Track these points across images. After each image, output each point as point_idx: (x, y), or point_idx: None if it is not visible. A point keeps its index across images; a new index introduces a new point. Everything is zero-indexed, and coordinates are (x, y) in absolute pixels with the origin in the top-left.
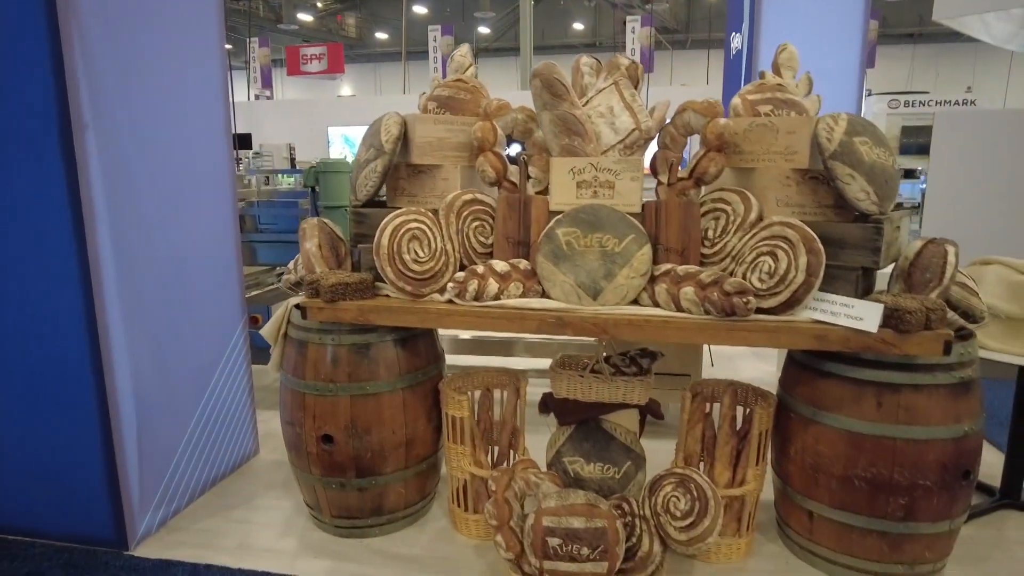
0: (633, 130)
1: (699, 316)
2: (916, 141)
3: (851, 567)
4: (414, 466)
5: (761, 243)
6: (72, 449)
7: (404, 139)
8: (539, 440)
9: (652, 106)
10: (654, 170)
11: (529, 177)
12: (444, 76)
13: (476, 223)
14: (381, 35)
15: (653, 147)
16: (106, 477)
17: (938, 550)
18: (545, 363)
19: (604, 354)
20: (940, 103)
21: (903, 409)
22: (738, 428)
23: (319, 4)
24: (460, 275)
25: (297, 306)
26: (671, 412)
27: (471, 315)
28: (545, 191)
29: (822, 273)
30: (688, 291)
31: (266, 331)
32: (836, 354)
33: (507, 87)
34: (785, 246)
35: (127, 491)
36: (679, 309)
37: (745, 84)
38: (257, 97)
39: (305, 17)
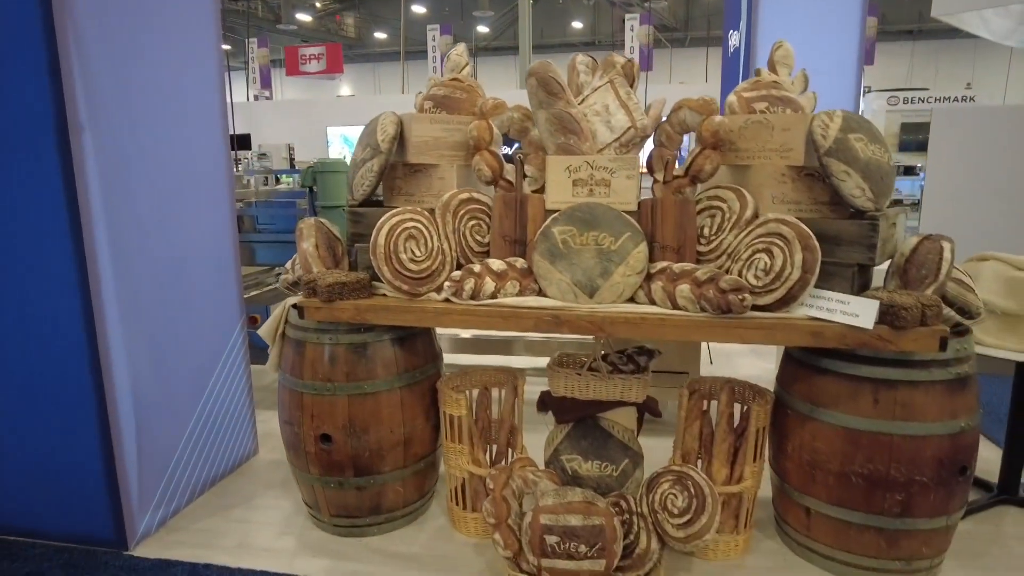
0: (629, 128)
1: (695, 314)
2: (916, 138)
3: (848, 563)
4: (412, 465)
5: (757, 240)
6: (71, 449)
7: (400, 138)
8: (537, 438)
9: (648, 104)
10: (650, 168)
11: (525, 176)
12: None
13: (473, 222)
14: (380, 35)
15: (650, 145)
16: (105, 477)
17: (935, 546)
18: (545, 362)
19: (602, 352)
20: (939, 100)
21: (900, 405)
22: (736, 425)
23: (318, 4)
24: (457, 274)
25: (294, 306)
26: (670, 410)
27: (468, 314)
28: (541, 190)
29: (818, 270)
30: (684, 289)
31: (264, 331)
32: (833, 351)
33: (506, 86)
34: (781, 243)
35: (126, 491)
36: (675, 307)
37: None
38: (256, 98)
39: (304, 17)
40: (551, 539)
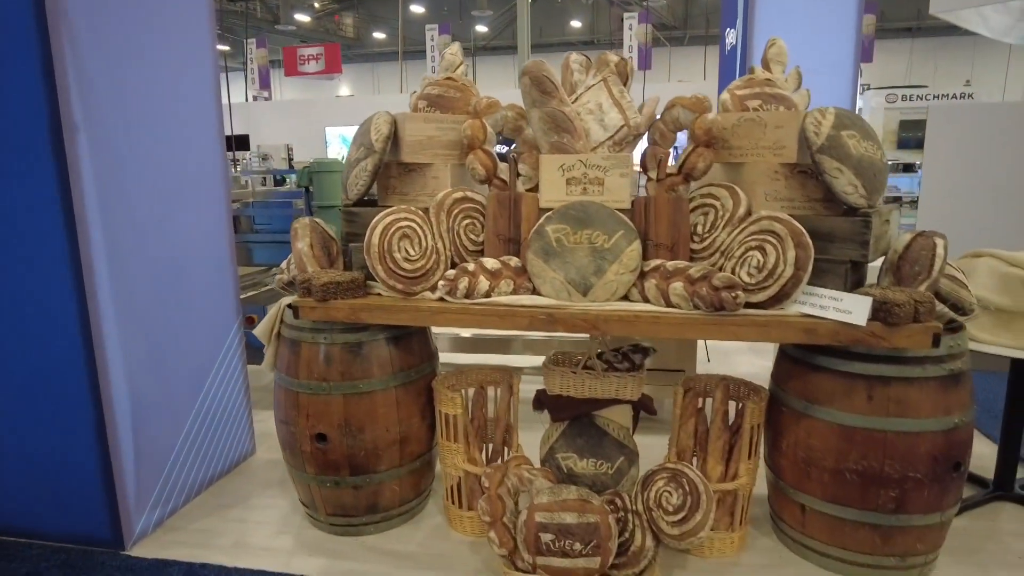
0: (622, 126)
1: (689, 311)
2: (914, 135)
3: (843, 560)
4: (408, 464)
5: (749, 238)
6: (68, 450)
7: (394, 138)
8: (533, 437)
9: (642, 102)
10: (644, 166)
11: (519, 174)
12: None
13: (467, 221)
14: (379, 35)
15: (644, 143)
16: (102, 477)
17: (929, 542)
18: (543, 360)
19: (598, 350)
20: (938, 97)
21: (894, 402)
22: (731, 423)
23: (316, 4)
24: (451, 273)
25: (290, 305)
26: (667, 408)
27: (462, 313)
28: (535, 188)
29: (810, 267)
30: (677, 286)
31: (259, 331)
32: (827, 348)
33: (505, 85)
34: (773, 240)
35: (123, 491)
36: (669, 304)
37: None
38: (255, 98)
39: (303, 18)
40: (546, 537)
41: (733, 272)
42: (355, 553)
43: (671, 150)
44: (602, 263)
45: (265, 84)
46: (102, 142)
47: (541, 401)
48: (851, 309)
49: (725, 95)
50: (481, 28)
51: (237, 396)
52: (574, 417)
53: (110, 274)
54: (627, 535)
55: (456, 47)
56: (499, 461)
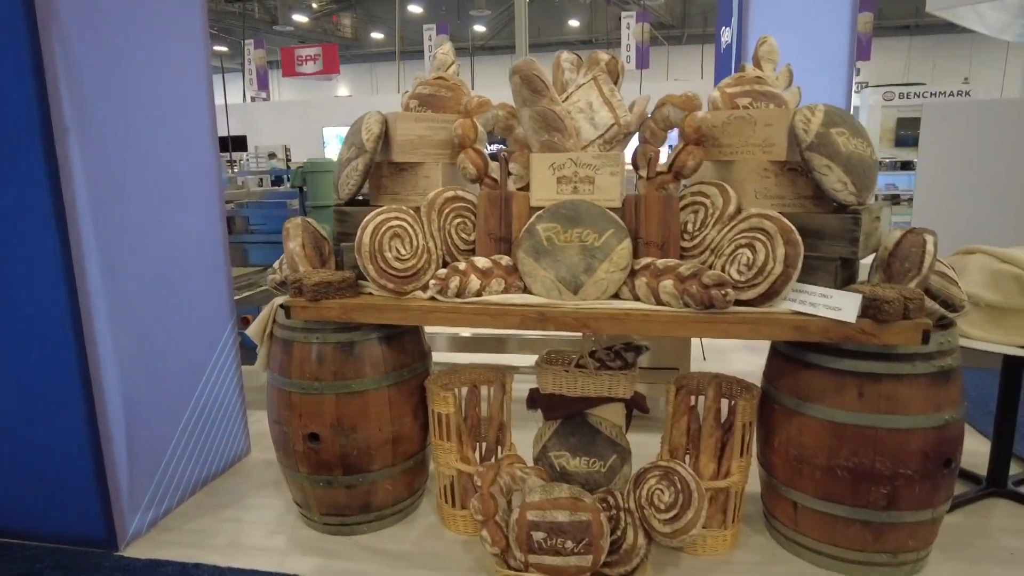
0: (612, 125)
1: (679, 309)
2: (912, 133)
3: (835, 556)
4: (401, 463)
5: (739, 235)
6: (61, 450)
7: (385, 137)
8: (526, 435)
9: (632, 100)
10: (635, 164)
11: (510, 173)
12: None
13: (458, 220)
14: (376, 35)
15: (636, 141)
16: (95, 478)
17: (921, 538)
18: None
19: (591, 348)
20: (936, 95)
21: (884, 399)
22: (723, 420)
23: (314, 5)
24: (442, 272)
25: (282, 305)
26: (660, 406)
27: (453, 312)
28: (526, 187)
29: (800, 264)
30: (667, 284)
31: (252, 331)
32: (818, 345)
33: (503, 85)
34: (763, 238)
35: (116, 492)
36: (659, 303)
37: None
38: (253, 99)
39: (300, 18)
40: (538, 535)
41: (723, 270)
42: (349, 552)
43: (664, 148)
44: (592, 261)
45: (263, 85)
46: (93, 143)
47: (534, 400)
48: (841, 306)
49: (715, 93)
50: (479, 28)
51: (231, 396)
52: (567, 415)
53: (103, 275)
54: (619, 533)
55: (448, 46)
56: (492, 460)
